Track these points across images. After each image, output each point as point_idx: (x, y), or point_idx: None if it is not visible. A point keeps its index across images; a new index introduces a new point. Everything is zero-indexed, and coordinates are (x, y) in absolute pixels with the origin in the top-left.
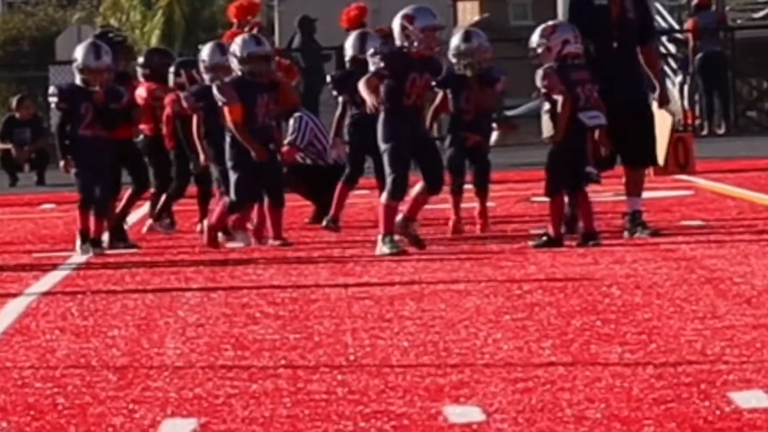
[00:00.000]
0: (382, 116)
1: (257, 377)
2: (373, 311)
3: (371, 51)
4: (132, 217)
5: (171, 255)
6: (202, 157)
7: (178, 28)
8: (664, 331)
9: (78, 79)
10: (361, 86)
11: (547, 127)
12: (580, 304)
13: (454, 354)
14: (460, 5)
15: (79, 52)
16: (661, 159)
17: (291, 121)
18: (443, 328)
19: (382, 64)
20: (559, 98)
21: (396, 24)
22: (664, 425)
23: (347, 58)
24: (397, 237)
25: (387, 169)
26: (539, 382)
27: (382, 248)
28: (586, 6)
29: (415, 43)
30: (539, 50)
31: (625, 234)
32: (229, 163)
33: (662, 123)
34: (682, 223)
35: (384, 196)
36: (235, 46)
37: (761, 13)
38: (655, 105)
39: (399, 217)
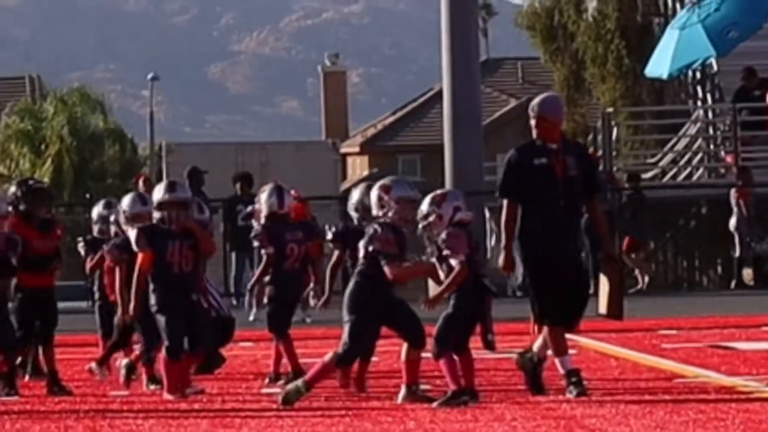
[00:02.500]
0: (351, 288)
1: None
2: None
3: (375, 227)
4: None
5: (52, 403)
6: (120, 311)
7: (67, 177)
8: None
9: None
10: (403, 276)
11: (434, 288)
12: None
13: None
14: (349, 160)
15: None
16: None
17: None
18: None
19: (396, 245)
20: (456, 261)
21: (373, 194)
22: None
23: (265, 213)
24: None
25: (345, 334)
26: None
27: (290, 385)
28: (525, 166)
29: (390, 213)
30: (431, 218)
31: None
32: (153, 309)
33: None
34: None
35: (330, 354)
36: (154, 193)
37: (650, 174)
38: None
39: (403, 390)
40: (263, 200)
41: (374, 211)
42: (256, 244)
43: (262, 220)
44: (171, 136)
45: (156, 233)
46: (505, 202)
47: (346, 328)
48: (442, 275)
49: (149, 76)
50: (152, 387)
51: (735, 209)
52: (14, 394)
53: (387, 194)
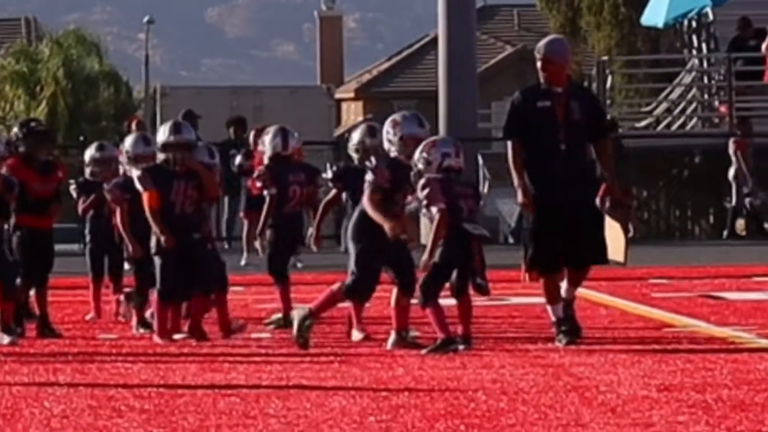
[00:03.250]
0: (355, 217)
1: None
2: (239, 408)
3: (372, 161)
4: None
5: (41, 345)
6: (130, 248)
7: (62, 119)
8: None
9: None
10: (370, 210)
11: (426, 232)
12: (446, 407)
13: None
14: (344, 105)
15: None
16: (621, 256)
17: None
18: (307, 428)
19: (388, 177)
20: (435, 210)
21: (384, 129)
22: None
23: (269, 154)
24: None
25: (351, 265)
26: None
27: (296, 311)
28: (528, 108)
29: (393, 149)
30: (420, 165)
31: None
32: (152, 250)
33: (611, 221)
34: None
35: (338, 284)
36: (158, 134)
37: (643, 123)
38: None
39: (392, 335)
40: (267, 141)
41: (385, 146)
42: (258, 184)
43: (266, 161)
44: (166, 79)
45: (160, 173)
46: (509, 143)
47: (353, 259)
48: (428, 222)
49: (145, 19)
50: (142, 331)
51: (734, 159)
52: (21, 333)
53: (394, 129)
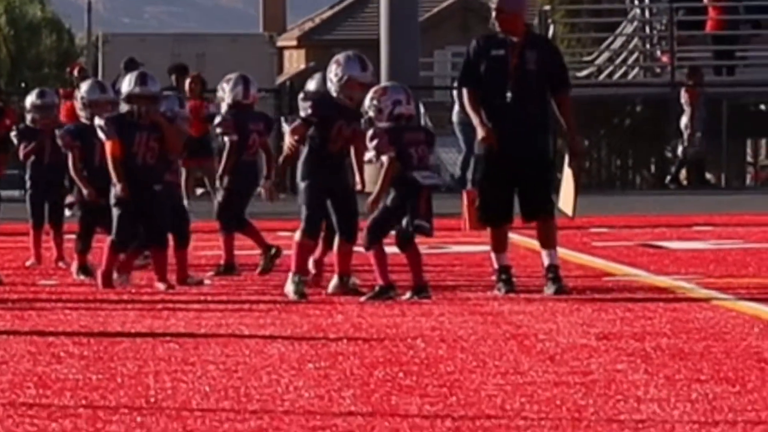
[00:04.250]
0: (303, 156)
1: (57, 416)
2: (177, 355)
3: (301, 94)
4: None
5: None
6: (85, 191)
7: (4, 66)
8: (465, 384)
9: None
10: (288, 135)
11: (371, 181)
12: (384, 355)
13: (255, 400)
14: (286, 53)
15: None
16: (570, 209)
17: None
18: (246, 374)
19: (310, 110)
20: (385, 158)
21: (327, 68)
22: None
23: (229, 101)
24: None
25: (301, 207)
26: (337, 431)
27: (288, 286)
28: (482, 56)
29: (333, 89)
30: (370, 112)
31: (549, 288)
32: (111, 201)
33: (569, 173)
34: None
35: (297, 233)
36: (123, 84)
37: (585, 72)
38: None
39: (334, 280)
40: (227, 89)
41: (328, 86)
42: (218, 130)
43: (223, 109)
44: (109, 26)
45: (123, 123)
46: (464, 91)
47: (302, 197)
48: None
49: None
50: (82, 277)
51: (686, 109)
52: None
53: (336, 69)
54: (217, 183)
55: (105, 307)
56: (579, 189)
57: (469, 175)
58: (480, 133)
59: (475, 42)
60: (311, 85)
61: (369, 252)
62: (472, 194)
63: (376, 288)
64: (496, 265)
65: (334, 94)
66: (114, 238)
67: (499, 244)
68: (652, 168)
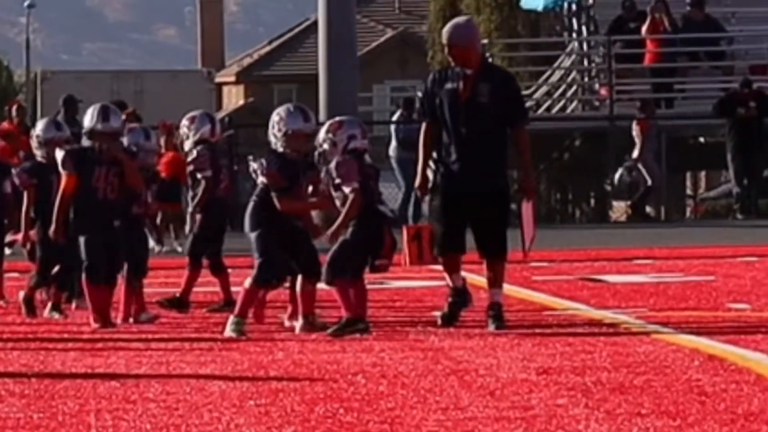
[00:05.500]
0: (251, 206)
1: None
2: (118, 393)
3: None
4: None
5: None
6: (21, 235)
7: None
8: (406, 420)
9: None
10: (286, 208)
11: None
12: (325, 391)
13: None
14: (225, 89)
15: None
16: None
17: None
18: (186, 412)
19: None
20: (348, 189)
21: (271, 121)
22: None
23: (195, 139)
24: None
25: (255, 254)
26: None
27: (228, 327)
28: (438, 88)
29: (279, 144)
30: (325, 146)
31: (490, 325)
32: (72, 232)
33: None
34: (433, 314)
35: (248, 280)
36: (86, 118)
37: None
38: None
39: (300, 320)
40: (194, 127)
41: (270, 139)
42: (192, 167)
43: (188, 146)
44: (48, 63)
45: (83, 157)
46: (423, 124)
47: (255, 246)
48: (338, 204)
49: (26, 2)
50: (55, 315)
51: (637, 141)
52: None
53: (278, 124)
54: (188, 220)
55: (45, 346)
56: (536, 226)
57: (410, 210)
58: (417, 179)
59: (432, 75)
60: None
61: (332, 287)
62: (412, 230)
63: (342, 320)
64: (450, 284)
65: (281, 150)
66: (87, 265)
67: (453, 267)
68: (592, 202)
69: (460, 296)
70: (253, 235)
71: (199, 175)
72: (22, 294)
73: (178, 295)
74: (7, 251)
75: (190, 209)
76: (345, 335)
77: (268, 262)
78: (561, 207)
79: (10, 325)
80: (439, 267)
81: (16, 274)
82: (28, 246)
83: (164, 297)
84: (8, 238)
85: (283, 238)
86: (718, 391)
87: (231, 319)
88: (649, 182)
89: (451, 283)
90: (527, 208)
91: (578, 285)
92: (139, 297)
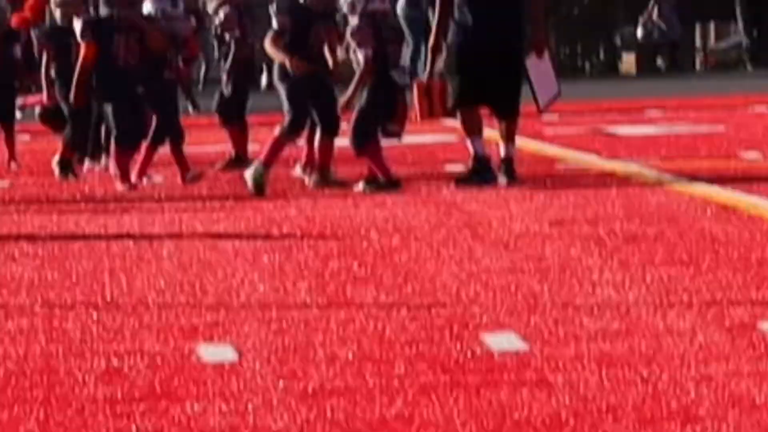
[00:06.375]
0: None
1: (13, 315)
2: (132, 252)
3: (273, 7)
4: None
5: None
6: (44, 95)
7: None
8: (420, 274)
9: None
10: (269, 48)
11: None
12: (338, 246)
13: (210, 294)
14: None
15: None
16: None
17: None
18: (200, 269)
19: (284, 22)
20: (361, 55)
21: None
22: (414, 365)
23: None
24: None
25: (285, 107)
26: (293, 323)
27: (248, 172)
28: None
29: None
30: (345, 8)
31: (501, 179)
32: (99, 100)
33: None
34: (446, 168)
35: (278, 128)
36: None
37: None
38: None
39: (314, 174)
40: None
41: None
42: (221, 28)
43: (211, 9)
44: None
45: (101, 26)
46: None
47: (283, 97)
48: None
49: None
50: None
51: None
52: None
53: None
54: (224, 78)
55: (59, 208)
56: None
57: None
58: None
59: None
60: None
61: (363, 155)
62: (422, 85)
63: (381, 180)
64: (471, 150)
65: (302, 0)
66: (117, 133)
67: (474, 127)
68: (601, 55)
69: (482, 167)
70: (281, 86)
71: (227, 36)
72: (56, 158)
73: (233, 154)
74: (18, 115)
75: (224, 70)
76: (380, 192)
77: (297, 113)
78: (570, 61)
79: (22, 187)
80: (451, 121)
81: (27, 137)
82: (38, 109)
83: (222, 162)
84: (19, 101)
85: (309, 87)
86: (730, 239)
87: (254, 164)
88: (675, 36)
89: (471, 149)
90: (538, 65)
91: (590, 137)
92: (182, 158)
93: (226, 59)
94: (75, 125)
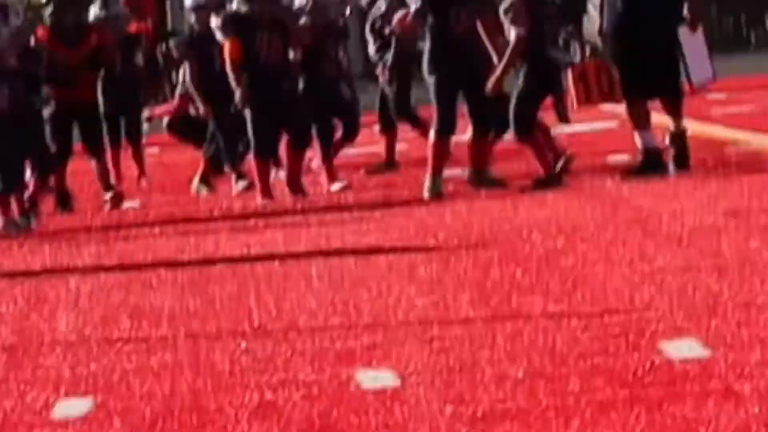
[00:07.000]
0: (427, 48)
1: (156, 349)
2: (278, 271)
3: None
4: None
5: (60, 221)
6: (173, 104)
7: None
8: (589, 278)
9: None
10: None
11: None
12: (499, 252)
13: (365, 313)
14: None
15: None
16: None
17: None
18: (353, 286)
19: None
20: (514, 32)
21: None
22: (590, 381)
23: None
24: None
25: (434, 102)
26: (456, 341)
27: (426, 191)
28: None
29: None
30: None
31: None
32: (239, 105)
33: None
34: (607, 159)
35: (431, 133)
36: None
37: None
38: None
39: (468, 174)
40: None
41: None
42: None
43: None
44: None
45: (242, 21)
46: None
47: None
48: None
49: None
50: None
51: None
52: (35, 217)
53: None
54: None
55: (195, 228)
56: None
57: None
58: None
59: None
60: None
61: (525, 143)
62: (577, 68)
63: (540, 177)
64: (641, 146)
65: None
66: (255, 143)
67: (642, 120)
68: (767, 25)
69: (653, 161)
70: (429, 80)
71: (386, 29)
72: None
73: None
74: (145, 126)
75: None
76: (540, 190)
77: (443, 112)
78: (735, 32)
79: (155, 207)
80: (609, 106)
81: (155, 149)
82: (166, 120)
83: (369, 167)
84: (145, 112)
85: (462, 79)
86: None
87: (427, 180)
88: None
89: (640, 143)
90: (692, 40)
91: (761, 116)
92: (330, 165)
93: (382, 55)
94: (224, 137)
